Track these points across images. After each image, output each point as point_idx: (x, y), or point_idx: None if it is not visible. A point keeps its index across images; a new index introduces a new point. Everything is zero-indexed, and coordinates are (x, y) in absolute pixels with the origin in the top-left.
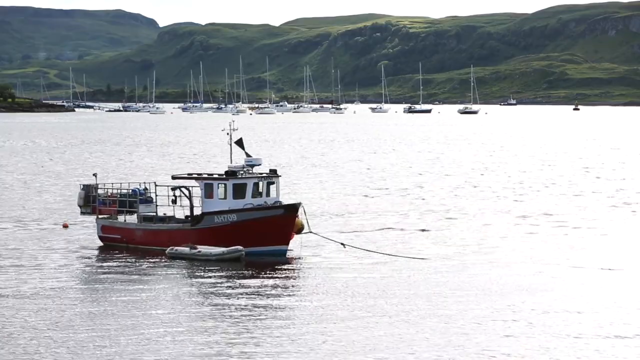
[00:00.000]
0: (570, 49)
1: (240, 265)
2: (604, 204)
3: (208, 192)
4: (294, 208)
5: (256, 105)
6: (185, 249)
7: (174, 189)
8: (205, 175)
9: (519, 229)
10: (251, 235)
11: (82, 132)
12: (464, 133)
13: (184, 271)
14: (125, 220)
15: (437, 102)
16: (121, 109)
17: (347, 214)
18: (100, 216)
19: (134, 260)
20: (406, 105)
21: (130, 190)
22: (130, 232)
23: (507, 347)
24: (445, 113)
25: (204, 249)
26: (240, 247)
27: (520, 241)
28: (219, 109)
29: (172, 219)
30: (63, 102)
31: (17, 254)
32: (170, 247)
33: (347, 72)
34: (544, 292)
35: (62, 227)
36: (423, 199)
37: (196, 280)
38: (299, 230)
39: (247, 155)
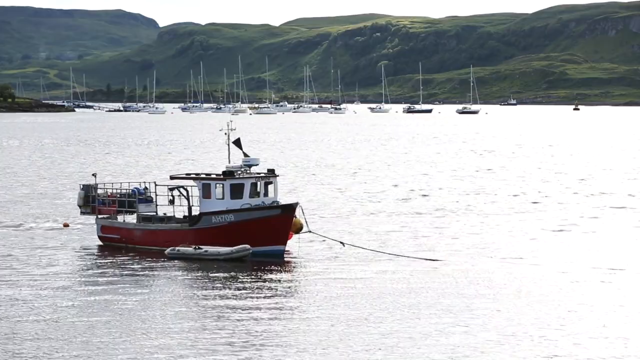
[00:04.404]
0: (570, 49)
1: (239, 265)
2: (613, 204)
3: (206, 192)
4: (291, 208)
5: (255, 105)
6: (189, 249)
7: (171, 189)
8: (203, 175)
9: (519, 229)
10: (249, 235)
11: (84, 132)
12: (462, 133)
13: (184, 272)
14: (124, 220)
15: (437, 102)
16: (121, 109)
17: (346, 214)
18: (100, 216)
19: (132, 260)
20: (405, 105)
21: (131, 190)
22: (129, 232)
23: (512, 349)
24: (446, 113)
25: (210, 248)
26: (247, 246)
27: (521, 241)
28: (218, 109)
29: (171, 219)
30: (63, 102)
31: (17, 253)
32: (172, 248)
33: (347, 72)
34: (544, 293)
35: (62, 226)
36: (423, 199)
37: (197, 280)
38: (298, 229)
39: (245, 155)
